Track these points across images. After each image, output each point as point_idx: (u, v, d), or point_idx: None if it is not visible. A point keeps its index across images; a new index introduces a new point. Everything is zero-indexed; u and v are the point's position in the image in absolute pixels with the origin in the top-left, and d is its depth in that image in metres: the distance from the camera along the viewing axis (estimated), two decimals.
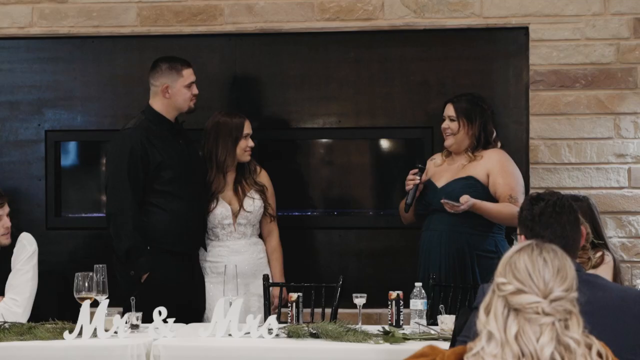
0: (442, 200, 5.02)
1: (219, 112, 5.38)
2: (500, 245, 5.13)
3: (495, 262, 2.50)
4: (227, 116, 5.32)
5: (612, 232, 5.51)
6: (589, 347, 2.40)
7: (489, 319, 2.39)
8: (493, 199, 5.11)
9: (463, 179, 5.16)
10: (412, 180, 5.21)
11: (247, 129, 5.30)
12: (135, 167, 5.05)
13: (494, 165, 5.16)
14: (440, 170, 5.29)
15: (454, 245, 5.13)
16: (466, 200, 4.99)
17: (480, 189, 5.10)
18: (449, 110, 5.23)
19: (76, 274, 4.35)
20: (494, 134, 5.26)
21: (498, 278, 2.41)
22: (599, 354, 2.42)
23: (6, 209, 4.85)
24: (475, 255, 5.12)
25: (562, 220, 3.14)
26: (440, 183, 5.23)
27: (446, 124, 5.24)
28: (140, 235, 5.03)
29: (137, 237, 5.01)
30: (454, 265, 5.13)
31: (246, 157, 5.30)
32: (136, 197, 5.05)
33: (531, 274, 2.38)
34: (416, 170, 5.23)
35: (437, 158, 5.36)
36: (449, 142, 5.25)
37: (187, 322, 4.62)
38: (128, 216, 5.01)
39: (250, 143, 5.30)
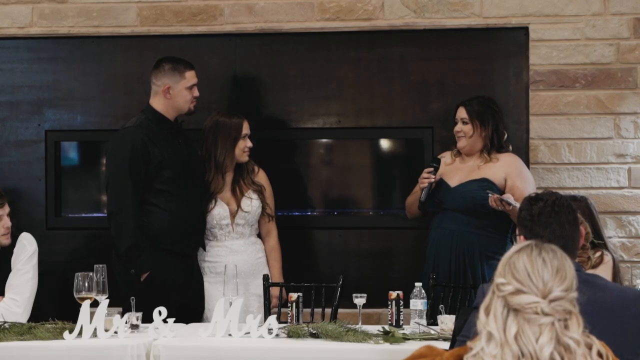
0: (494, 196, 4.98)
1: (218, 112, 5.37)
2: (507, 248, 5.12)
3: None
4: (225, 116, 5.32)
5: (612, 232, 5.50)
6: (589, 347, 2.40)
7: (489, 319, 2.39)
8: None
9: (477, 180, 5.17)
10: (427, 178, 5.21)
11: (246, 129, 5.30)
12: (137, 164, 5.04)
13: (512, 170, 5.18)
14: (452, 170, 5.29)
15: (465, 245, 5.13)
16: (514, 200, 4.96)
17: (495, 191, 5.09)
18: (462, 113, 5.24)
19: (76, 274, 4.35)
20: (505, 135, 5.27)
21: (497, 278, 2.42)
22: (599, 354, 2.42)
23: (6, 209, 4.85)
24: (485, 256, 5.12)
25: (561, 219, 3.13)
26: (452, 182, 5.23)
27: (459, 127, 5.24)
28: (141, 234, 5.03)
29: (138, 236, 4.99)
30: (464, 265, 5.13)
31: (245, 158, 5.30)
32: (137, 195, 5.04)
33: (530, 274, 2.38)
34: (431, 169, 5.22)
35: (447, 156, 5.36)
36: (462, 144, 5.25)
37: (187, 322, 4.62)
38: (129, 214, 5.00)
39: (249, 143, 5.29)
